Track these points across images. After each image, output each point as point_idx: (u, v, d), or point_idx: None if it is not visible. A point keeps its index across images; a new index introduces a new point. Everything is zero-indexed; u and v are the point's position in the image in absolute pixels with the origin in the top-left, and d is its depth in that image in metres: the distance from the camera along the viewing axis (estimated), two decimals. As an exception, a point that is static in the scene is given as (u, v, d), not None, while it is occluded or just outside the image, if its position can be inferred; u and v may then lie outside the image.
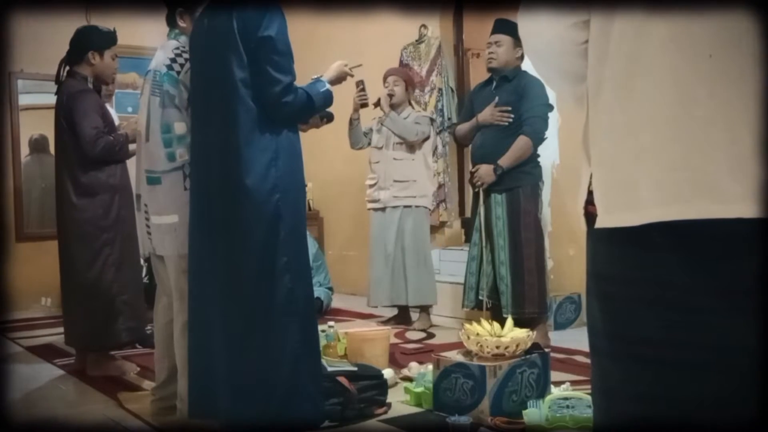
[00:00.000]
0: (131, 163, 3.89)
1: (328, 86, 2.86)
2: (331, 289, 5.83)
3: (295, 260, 2.73)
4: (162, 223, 2.92)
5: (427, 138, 4.92)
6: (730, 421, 0.95)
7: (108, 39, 3.93)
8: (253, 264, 2.68)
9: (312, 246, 5.11)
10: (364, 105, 4.85)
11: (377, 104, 4.95)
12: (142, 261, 4.14)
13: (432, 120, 5.08)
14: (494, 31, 4.29)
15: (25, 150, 6.22)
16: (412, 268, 4.84)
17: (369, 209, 5.05)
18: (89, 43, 3.88)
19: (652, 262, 0.98)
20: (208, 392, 2.73)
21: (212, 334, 2.73)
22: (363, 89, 4.78)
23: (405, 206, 4.88)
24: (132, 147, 3.83)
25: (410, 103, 5.09)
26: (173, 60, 2.92)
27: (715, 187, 0.93)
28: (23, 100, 6.21)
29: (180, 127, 2.87)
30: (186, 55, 2.91)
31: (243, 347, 2.68)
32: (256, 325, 2.68)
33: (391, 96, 4.92)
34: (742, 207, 0.92)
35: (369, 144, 5.04)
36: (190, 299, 2.79)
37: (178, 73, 2.90)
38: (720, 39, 0.92)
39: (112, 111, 4.73)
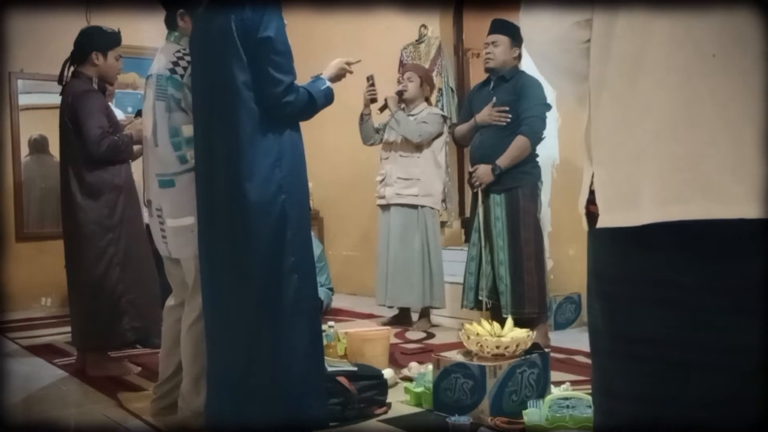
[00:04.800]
0: (136, 164, 3.91)
1: (328, 83, 2.87)
2: (331, 289, 5.83)
3: (301, 260, 2.74)
4: (178, 226, 2.92)
5: (439, 135, 4.85)
6: (732, 421, 0.95)
7: (112, 40, 3.94)
8: (262, 265, 2.68)
9: (317, 247, 5.09)
10: (374, 100, 4.82)
11: (384, 107, 4.92)
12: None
13: (445, 117, 4.99)
14: (491, 32, 4.29)
15: (25, 150, 6.22)
16: (416, 269, 4.79)
17: (378, 205, 5.01)
18: (93, 43, 3.89)
19: (654, 262, 0.98)
20: (226, 394, 2.74)
21: (225, 336, 2.74)
22: (373, 84, 4.76)
23: (410, 206, 4.82)
24: (137, 148, 3.84)
25: (427, 100, 5.02)
26: (176, 63, 2.93)
27: (717, 188, 0.93)
28: (23, 100, 6.21)
29: (188, 130, 2.89)
30: (188, 58, 2.91)
31: (254, 348, 2.69)
32: (266, 325, 2.69)
33: (403, 91, 4.89)
34: (744, 207, 0.91)
35: (381, 141, 4.98)
36: (204, 304, 2.80)
37: (182, 76, 2.91)
38: (723, 38, 0.92)
39: (116, 111, 4.75)
